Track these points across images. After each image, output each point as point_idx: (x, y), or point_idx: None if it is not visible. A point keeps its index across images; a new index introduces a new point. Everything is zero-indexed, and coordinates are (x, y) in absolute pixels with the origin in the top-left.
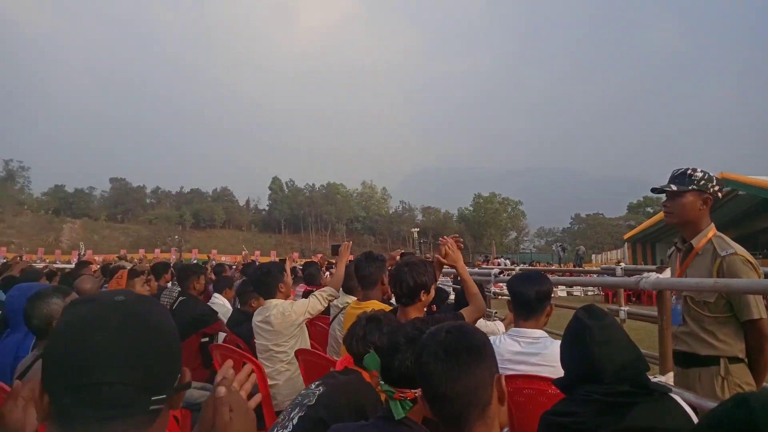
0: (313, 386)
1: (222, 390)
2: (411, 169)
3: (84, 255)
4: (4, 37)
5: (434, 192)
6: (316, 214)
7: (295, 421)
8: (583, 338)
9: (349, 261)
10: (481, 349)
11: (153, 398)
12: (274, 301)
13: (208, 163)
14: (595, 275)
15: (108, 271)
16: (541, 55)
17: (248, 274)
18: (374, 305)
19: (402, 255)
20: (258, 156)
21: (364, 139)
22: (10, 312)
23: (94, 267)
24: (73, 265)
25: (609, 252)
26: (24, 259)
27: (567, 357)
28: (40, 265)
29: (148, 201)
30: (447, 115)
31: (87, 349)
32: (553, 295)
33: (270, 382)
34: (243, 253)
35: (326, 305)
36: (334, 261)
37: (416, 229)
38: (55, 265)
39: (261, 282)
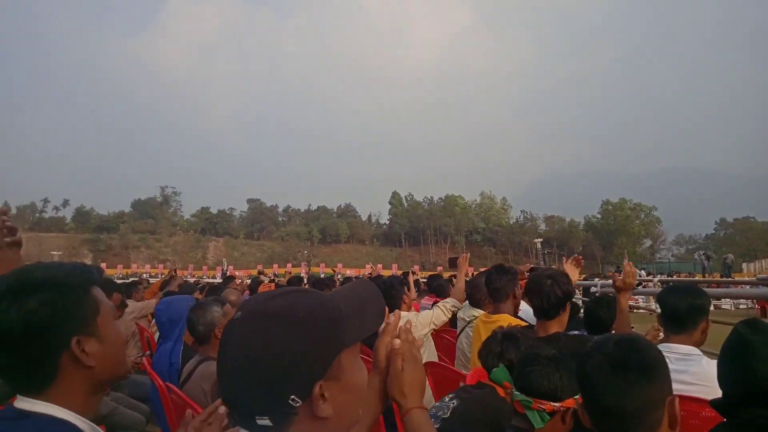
0: (446, 399)
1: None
2: (532, 178)
3: (227, 270)
4: (157, 83)
5: (558, 200)
6: (435, 226)
7: None
8: (745, 355)
9: (480, 273)
10: (653, 366)
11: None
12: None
13: (332, 180)
14: (748, 286)
15: (254, 286)
16: (667, 50)
17: None
18: (506, 319)
19: (531, 269)
20: (378, 171)
21: (482, 149)
22: (159, 323)
23: (238, 281)
24: (218, 279)
25: (764, 260)
26: (178, 274)
27: (727, 376)
28: (191, 280)
29: (280, 219)
30: (568, 119)
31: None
32: None
33: None
34: (367, 266)
35: (450, 316)
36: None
37: (539, 240)
38: (204, 280)
39: (385, 295)
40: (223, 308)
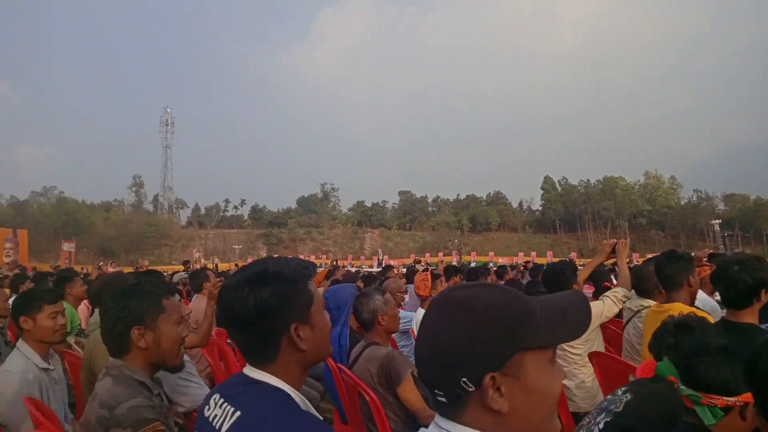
0: (619, 392)
1: None
2: (705, 152)
3: (382, 259)
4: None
5: (735, 177)
6: (593, 210)
7: (601, 426)
8: None
9: (647, 260)
10: None
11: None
12: None
13: (480, 168)
14: None
15: (410, 275)
16: None
17: (534, 275)
18: (679, 308)
19: (710, 255)
20: (527, 156)
21: (641, 126)
22: (327, 309)
23: (396, 270)
24: (374, 269)
25: None
26: (340, 264)
27: None
28: (352, 269)
29: (430, 209)
30: (746, 88)
31: None
32: None
33: (564, 381)
34: (520, 254)
35: (621, 307)
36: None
37: (717, 221)
38: (363, 269)
39: (553, 282)
40: (384, 296)
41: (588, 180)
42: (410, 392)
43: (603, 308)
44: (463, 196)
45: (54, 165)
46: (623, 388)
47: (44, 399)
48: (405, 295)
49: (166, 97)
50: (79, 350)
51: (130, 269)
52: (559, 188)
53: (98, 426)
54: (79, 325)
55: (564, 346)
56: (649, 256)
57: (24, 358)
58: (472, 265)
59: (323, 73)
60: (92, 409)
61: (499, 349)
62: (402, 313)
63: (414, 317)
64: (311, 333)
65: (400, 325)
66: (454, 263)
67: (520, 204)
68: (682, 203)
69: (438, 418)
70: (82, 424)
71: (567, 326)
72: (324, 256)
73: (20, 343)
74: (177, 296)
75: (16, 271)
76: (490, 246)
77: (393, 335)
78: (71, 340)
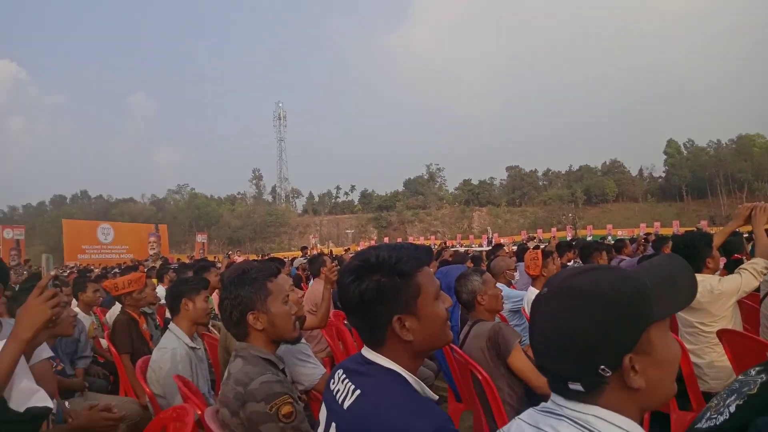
0: (752, 372)
1: None
2: None
3: (492, 238)
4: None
5: None
6: (726, 174)
7: (732, 408)
8: None
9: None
10: None
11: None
12: (699, 276)
13: (594, 136)
14: None
15: (520, 253)
16: None
17: (657, 247)
18: None
19: None
20: (647, 119)
21: None
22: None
23: (507, 249)
24: (484, 248)
25: None
26: (448, 244)
27: None
28: (461, 249)
29: (540, 183)
30: None
31: None
32: None
33: (693, 360)
34: (642, 225)
35: (761, 280)
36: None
37: None
38: (473, 248)
39: (685, 256)
40: (483, 276)
41: (719, 140)
42: (521, 361)
43: (741, 282)
44: (576, 167)
45: (185, 164)
46: (757, 368)
47: (194, 374)
48: (515, 273)
49: (278, 93)
50: (216, 332)
51: (255, 257)
52: (685, 152)
53: (235, 401)
54: (214, 309)
55: (693, 321)
56: None
57: (176, 337)
58: (589, 239)
59: (422, 53)
60: (228, 387)
61: (631, 329)
62: (512, 292)
63: (525, 296)
64: (418, 324)
65: (512, 305)
66: (569, 238)
67: (641, 171)
68: None
69: (561, 399)
70: (220, 401)
71: (678, 294)
72: (433, 237)
73: (172, 326)
74: (282, 276)
75: (160, 262)
76: (608, 218)
77: (505, 315)
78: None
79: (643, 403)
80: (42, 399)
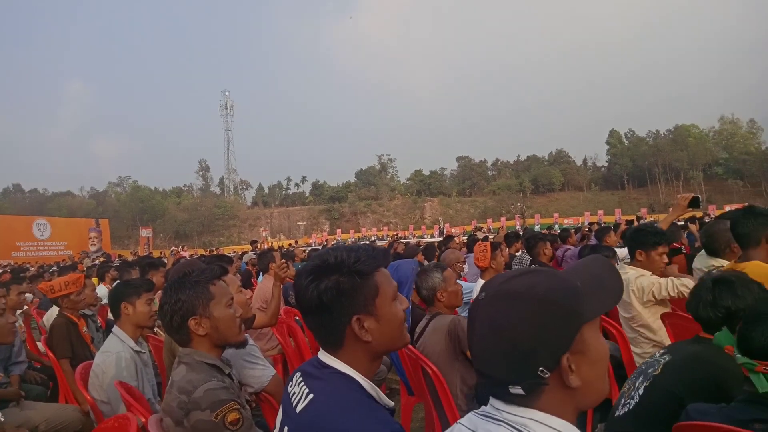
0: (657, 354)
1: None
2: None
3: (443, 228)
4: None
5: None
6: (664, 163)
7: (641, 391)
8: None
9: (717, 218)
10: None
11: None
12: (629, 269)
13: (540, 127)
14: None
15: (470, 244)
16: None
17: (600, 236)
18: (756, 267)
19: None
20: (590, 110)
21: (712, 68)
22: None
23: (457, 239)
24: (436, 238)
25: None
26: (401, 235)
27: None
28: (413, 241)
29: (490, 173)
30: None
31: None
32: None
33: (633, 348)
34: (586, 213)
35: (674, 295)
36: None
37: None
38: (424, 240)
39: (637, 244)
40: (444, 273)
41: (657, 131)
42: None
43: (658, 285)
44: (523, 158)
45: (127, 155)
46: (661, 350)
47: (139, 378)
48: (464, 266)
49: (224, 81)
50: (162, 334)
51: (204, 251)
52: (626, 141)
53: (179, 410)
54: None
55: (623, 314)
56: (728, 208)
57: (120, 341)
58: (536, 228)
59: (370, 41)
60: (172, 396)
61: (567, 329)
62: (462, 284)
63: (474, 288)
64: (377, 324)
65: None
66: (517, 227)
67: (585, 161)
68: (763, 148)
69: (500, 404)
70: (164, 410)
71: (606, 294)
72: (385, 228)
73: (116, 329)
74: (229, 278)
75: (102, 259)
76: (555, 207)
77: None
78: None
79: (579, 401)
80: None
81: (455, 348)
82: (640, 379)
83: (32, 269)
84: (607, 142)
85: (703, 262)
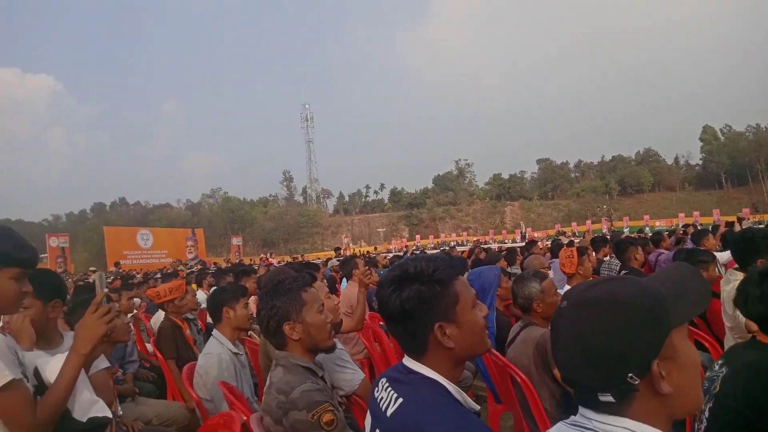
0: (716, 367)
1: None
2: None
3: (525, 232)
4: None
5: None
6: None
7: (706, 413)
8: None
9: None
10: None
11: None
12: (739, 275)
13: (626, 126)
14: None
15: (555, 249)
16: None
17: (697, 240)
18: None
19: None
20: (682, 105)
21: None
22: None
23: (541, 244)
24: (518, 243)
25: None
26: (480, 240)
27: None
28: (494, 246)
29: (572, 175)
30: None
31: None
32: None
33: None
34: (680, 215)
35: None
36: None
37: None
38: (506, 244)
39: (744, 251)
40: (543, 284)
41: (758, 124)
42: None
43: None
44: (608, 158)
45: (218, 169)
46: (719, 361)
47: (238, 378)
48: (549, 272)
49: (304, 95)
50: (257, 337)
51: (290, 258)
52: (722, 137)
53: (278, 410)
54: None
55: (729, 326)
56: None
57: (219, 343)
58: (625, 231)
59: (447, 49)
60: (271, 396)
61: (655, 334)
62: None
63: (562, 296)
64: (458, 331)
65: None
66: (604, 231)
67: (676, 159)
68: None
69: (590, 413)
70: (264, 409)
71: (692, 299)
72: (465, 233)
73: (215, 332)
74: (318, 284)
75: (198, 266)
76: (645, 209)
77: None
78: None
79: (672, 409)
80: (101, 409)
81: (543, 362)
82: (705, 398)
83: (138, 276)
84: (701, 139)
85: None
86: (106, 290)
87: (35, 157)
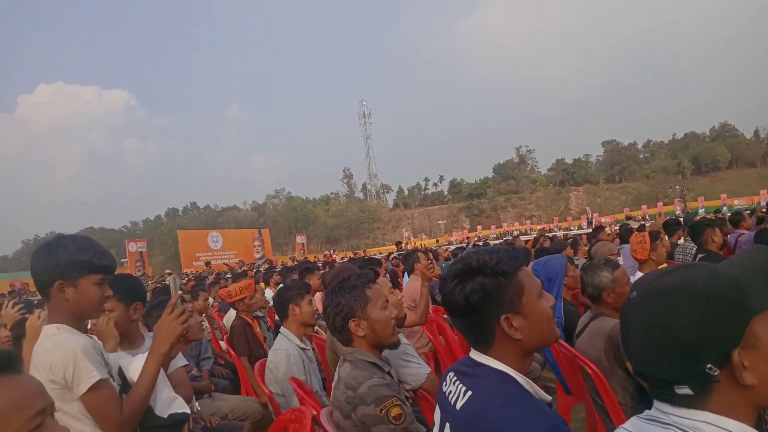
0: None
1: None
2: None
3: (592, 218)
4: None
5: None
6: None
7: None
8: None
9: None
10: None
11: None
12: None
13: (699, 101)
14: None
15: (624, 234)
16: None
17: None
18: None
19: None
20: (758, 77)
21: None
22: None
23: (609, 230)
24: (584, 230)
25: None
26: (544, 228)
27: None
28: (559, 234)
29: (641, 156)
30: None
31: None
32: None
33: None
34: (762, 192)
35: None
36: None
37: None
38: (572, 232)
39: None
40: (615, 273)
41: None
42: None
43: None
44: (680, 135)
45: (280, 170)
46: None
47: (306, 373)
48: (619, 258)
49: (361, 91)
50: (323, 333)
51: (351, 254)
52: None
53: (347, 405)
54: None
55: None
56: None
57: (287, 340)
58: (700, 212)
59: (500, 35)
60: (339, 391)
61: (734, 322)
62: None
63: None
64: (525, 322)
65: None
66: (677, 213)
67: (756, 133)
68: None
69: (667, 406)
70: (333, 404)
71: None
72: (528, 221)
73: (283, 329)
74: (381, 280)
75: (266, 265)
76: (722, 187)
77: None
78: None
79: (758, 401)
80: (181, 405)
81: (615, 355)
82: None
83: (210, 277)
84: None
85: None
86: (180, 292)
87: (113, 168)
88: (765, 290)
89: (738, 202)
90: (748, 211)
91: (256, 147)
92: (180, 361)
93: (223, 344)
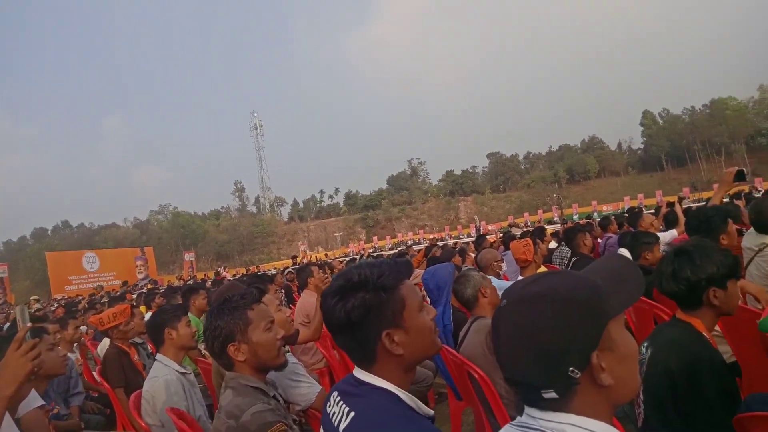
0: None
1: None
2: None
3: (479, 226)
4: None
5: None
6: (703, 139)
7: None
8: None
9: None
10: None
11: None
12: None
13: (571, 114)
14: None
15: (507, 241)
16: None
17: (633, 222)
18: None
19: None
20: (622, 94)
21: (746, 38)
22: (427, 290)
23: (492, 237)
24: (472, 239)
25: None
26: (435, 237)
27: None
28: (450, 242)
29: (522, 167)
30: None
31: None
32: None
33: None
34: (625, 198)
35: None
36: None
37: None
38: (461, 240)
39: (700, 231)
40: (480, 272)
41: (693, 107)
42: None
43: None
44: (555, 147)
45: (165, 184)
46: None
47: (188, 398)
48: (502, 264)
49: (252, 103)
50: (210, 357)
51: (244, 271)
52: (661, 121)
53: None
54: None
55: None
56: None
57: (164, 366)
58: (575, 218)
59: (393, 48)
60: (221, 421)
61: (593, 326)
62: (499, 283)
63: None
64: (406, 337)
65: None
66: (555, 219)
67: (619, 145)
68: None
69: (535, 411)
70: None
71: (628, 288)
72: (421, 231)
73: (159, 355)
74: (267, 298)
75: (149, 286)
76: (592, 195)
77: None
78: (201, 347)
79: (614, 399)
80: None
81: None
82: None
83: (83, 302)
84: (641, 124)
85: (752, 240)
86: (29, 324)
87: None
88: (619, 295)
89: (606, 208)
90: (615, 216)
91: (138, 160)
92: (35, 401)
93: (96, 376)
